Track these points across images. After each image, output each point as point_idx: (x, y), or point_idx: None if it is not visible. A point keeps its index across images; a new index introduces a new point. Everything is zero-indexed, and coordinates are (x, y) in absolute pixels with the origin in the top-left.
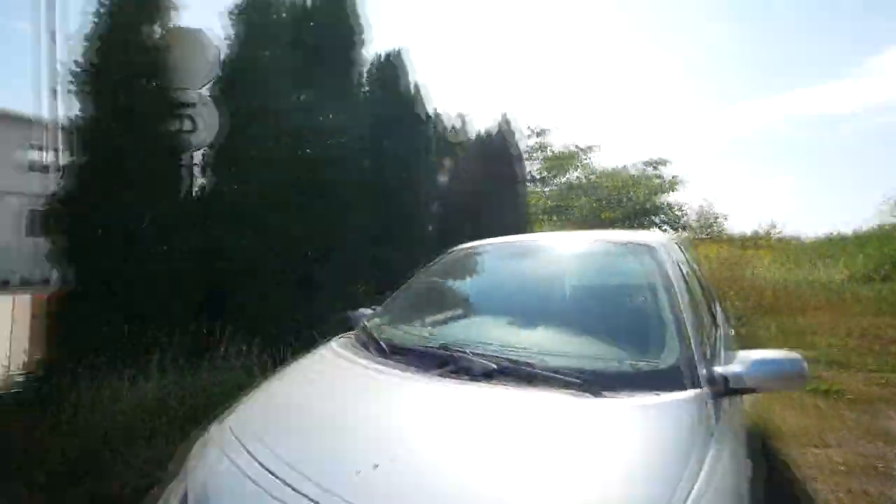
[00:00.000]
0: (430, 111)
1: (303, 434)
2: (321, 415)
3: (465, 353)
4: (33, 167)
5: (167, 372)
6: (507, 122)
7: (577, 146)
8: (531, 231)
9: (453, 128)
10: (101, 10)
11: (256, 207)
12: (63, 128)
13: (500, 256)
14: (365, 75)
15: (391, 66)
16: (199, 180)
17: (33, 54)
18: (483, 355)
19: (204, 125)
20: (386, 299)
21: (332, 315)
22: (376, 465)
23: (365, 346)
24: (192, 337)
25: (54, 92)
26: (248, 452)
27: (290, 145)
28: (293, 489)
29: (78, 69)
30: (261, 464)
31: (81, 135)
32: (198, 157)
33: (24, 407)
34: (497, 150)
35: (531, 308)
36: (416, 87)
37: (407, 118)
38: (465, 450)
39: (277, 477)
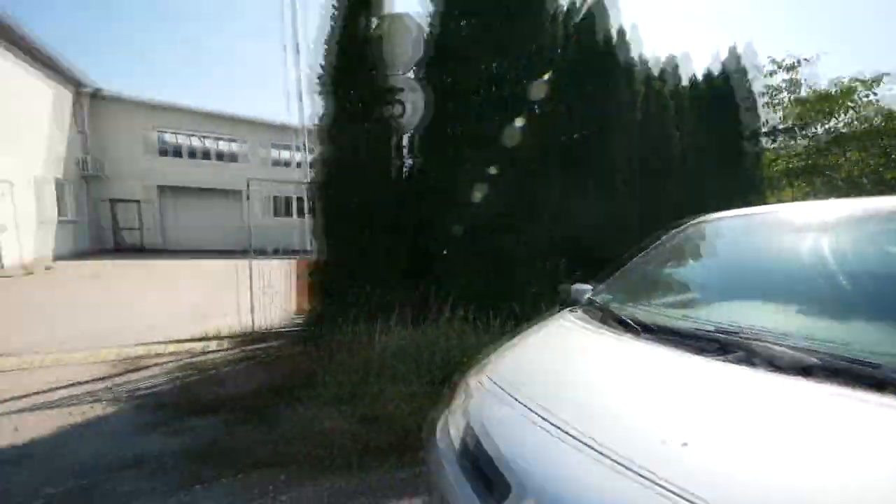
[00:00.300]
0: (637, 56)
1: (573, 395)
2: (588, 381)
3: (763, 341)
4: (276, 163)
5: (398, 327)
6: (737, 59)
7: (856, 78)
8: (765, 202)
9: (661, 74)
10: (333, 13)
11: (458, 184)
12: (308, 128)
13: (753, 230)
14: (560, 28)
15: (587, 16)
16: (408, 161)
17: (282, 67)
18: (790, 346)
19: (412, 108)
20: (583, 276)
21: (527, 289)
22: (685, 444)
23: (602, 321)
24: (411, 300)
25: (300, 95)
26: (522, 403)
27: (489, 119)
28: (583, 443)
29: (320, 72)
30: (541, 416)
31: (325, 131)
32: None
33: (299, 343)
34: (719, 98)
35: (811, 293)
36: (621, 32)
37: (605, 72)
38: (789, 451)
39: (563, 430)
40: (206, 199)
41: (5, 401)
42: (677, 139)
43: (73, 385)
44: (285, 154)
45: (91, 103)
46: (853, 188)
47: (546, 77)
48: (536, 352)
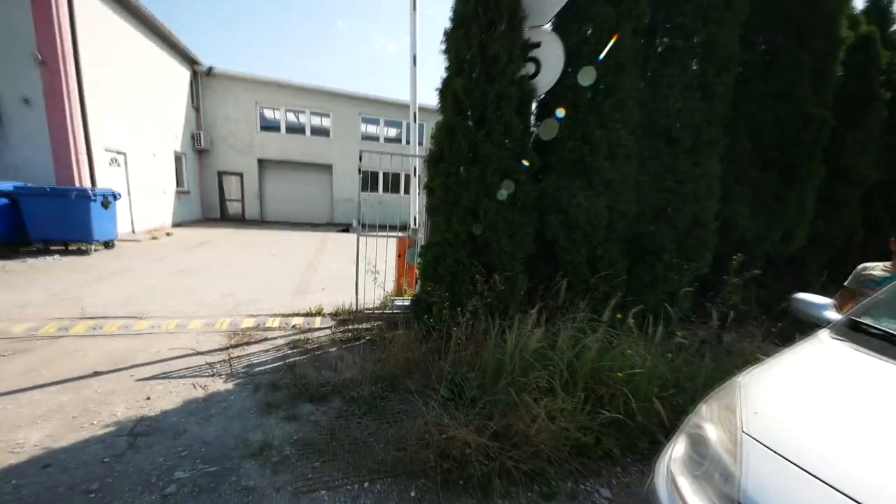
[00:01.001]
0: None
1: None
2: None
3: None
4: (369, 137)
5: (527, 324)
6: None
7: None
8: None
9: None
10: None
11: (593, 157)
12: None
13: None
14: None
15: None
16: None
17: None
18: None
19: (548, 67)
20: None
21: (662, 285)
22: None
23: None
24: (539, 291)
25: (413, 59)
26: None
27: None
28: None
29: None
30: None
31: (445, 93)
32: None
33: (409, 328)
34: None
35: None
36: None
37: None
38: None
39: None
40: (301, 172)
41: (138, 365)
42: None
43: (194, 355)
44: (391, 131)
45: (204, 81)
46: None
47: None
48: (804, 389)
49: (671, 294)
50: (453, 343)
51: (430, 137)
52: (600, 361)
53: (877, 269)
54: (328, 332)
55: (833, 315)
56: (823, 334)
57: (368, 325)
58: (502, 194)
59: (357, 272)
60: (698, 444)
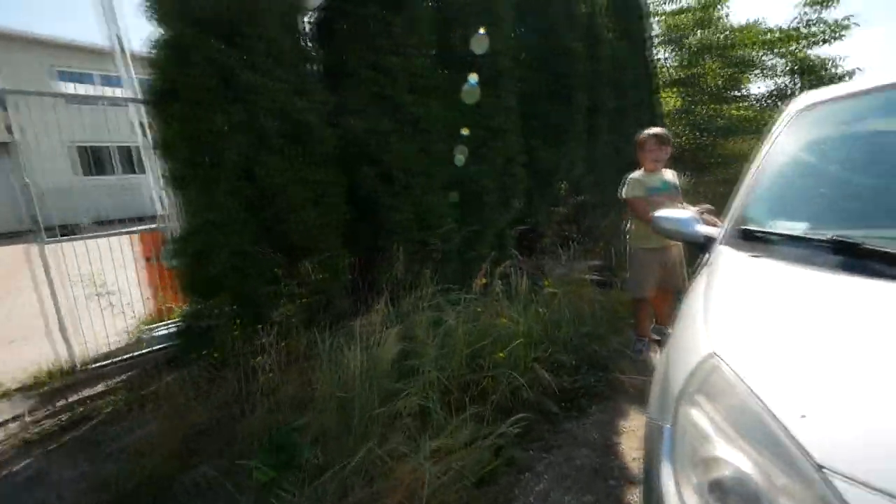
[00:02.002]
0: None
1: None
2: None
3: None
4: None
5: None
6: None
7: None
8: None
9: None
10: None
11: (394, 90)
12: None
13: None
14: None
15: None
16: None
17: None
18: None
19: None
20: None
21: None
22: None
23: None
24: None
25: None
26: None
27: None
28: None
29: None
30: None
31: None
32: None
33: (178, 371)
34: (624, 1)
35: None
36: None
37: None
38: None
39: None
40: None
41: None
42: (607, 42)
43: None
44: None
45: None
46: (714, 98)
47: None
48: (807, 350)
49: (499, 237)
50: (261, 382)
51: (152, 68)
52: (474, 344)
53: (645, 177)
54: (15, 426)
55: (705, 229)
56: (734, 257)
57: (105, 387)
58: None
59: (57, 303)
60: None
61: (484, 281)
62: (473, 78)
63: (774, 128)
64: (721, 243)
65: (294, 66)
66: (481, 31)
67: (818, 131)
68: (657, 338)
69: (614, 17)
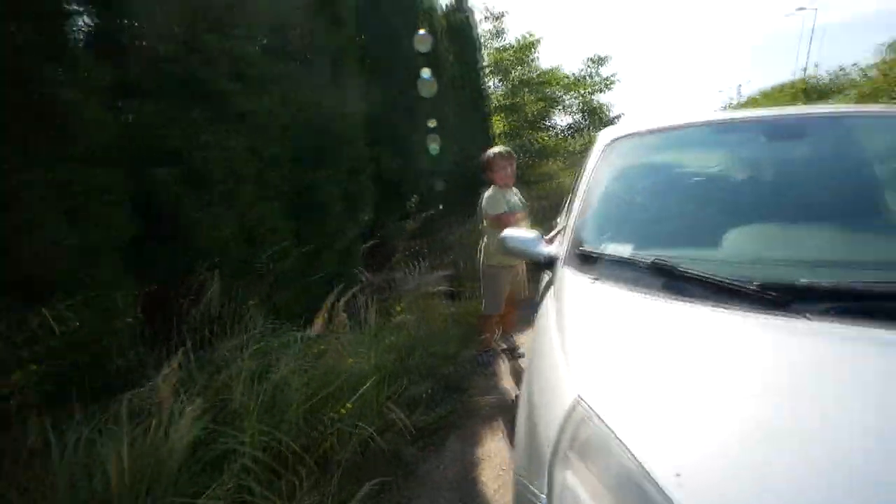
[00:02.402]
0: None
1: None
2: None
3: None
4: None
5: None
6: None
7: (530, 34)
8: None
9: None
10: None
11: (213, 74)
12: None
13: (702, 141)
14: None
15: None
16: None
17: None
18: None
19: None
20: None
21: (337, 243)
22: None
23: (641, 282)
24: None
25: None
26: None
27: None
28: None
29: None
30: None
31: None
32: None
33: None
34: (461, 31)
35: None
36: None
37: None
38: None
39: None
40: None
41: None
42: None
43: None
44: None
45: None
46: (532, 126)
47: None
48: (671, 397)
49: (346, 253)
50: None
51: None
52: (315, 395)
53: (502, 193)
54: None
55: (547, 248)
56: (577, 281)
57: None
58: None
59: None
60: None
61: (325, 314)
62: (321, 78)
63: (591, 156)
64: (563, 265)
65: (45, 19)
66: (324, 29)
67: (627, 161)
68: (505, 346)
69: (453, 44)
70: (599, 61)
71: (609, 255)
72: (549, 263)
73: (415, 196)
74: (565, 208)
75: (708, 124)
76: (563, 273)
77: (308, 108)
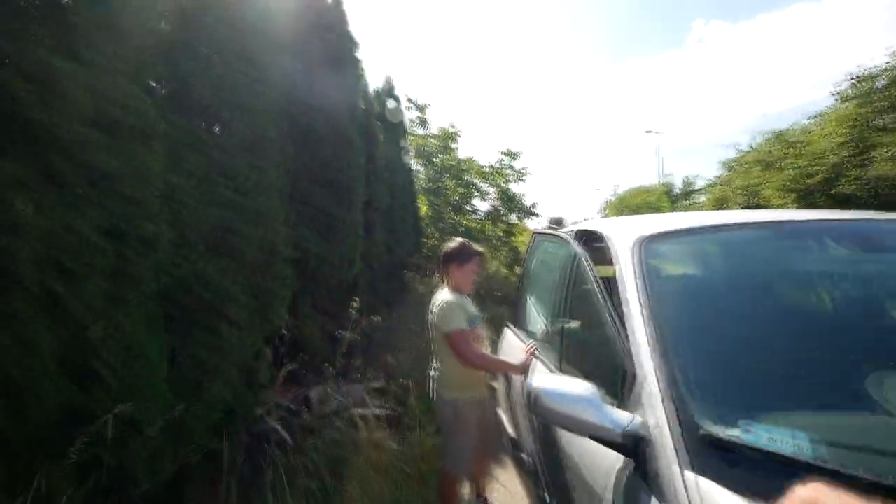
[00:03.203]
0: None
1: None
2: None
3: None
4: None
5: None
6: (391, 88)
7: (452, 125)
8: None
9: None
10: None
11: (50, 115)
12: None
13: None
14: None
15: None
16: None
17: None
18: None
19: None
20: None
21: (236, 356)
22: None
23: None
24: None
25: None
26: None
27: None
28: None
29: None
30: None
31: None
32: None
33: None
34: (390, 116)
35: None
36: None
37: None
38: None
39: None
40: None
41: None
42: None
43: None
44: None
45: None
46: (455, 209)
47: None
48: None
49: (248, 372)
50: None
51: None
52: None
53: (464, 302)
54: None
55: (630, 421)
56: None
57: None
58: None
59: None
60: None
61: None
62: (229, 138)
63: (615, 260)
64: (684, 465)
65: None
66: (242, 82)
67: (681, 269)
68: None
69: (383, 125)
70: (513, 155)
71: (800, 459)
72: (631, 446)
73: (356, 300)
74: (529, 308)
75: (765, 226)
76: (694, 489)
77: (208, 176)
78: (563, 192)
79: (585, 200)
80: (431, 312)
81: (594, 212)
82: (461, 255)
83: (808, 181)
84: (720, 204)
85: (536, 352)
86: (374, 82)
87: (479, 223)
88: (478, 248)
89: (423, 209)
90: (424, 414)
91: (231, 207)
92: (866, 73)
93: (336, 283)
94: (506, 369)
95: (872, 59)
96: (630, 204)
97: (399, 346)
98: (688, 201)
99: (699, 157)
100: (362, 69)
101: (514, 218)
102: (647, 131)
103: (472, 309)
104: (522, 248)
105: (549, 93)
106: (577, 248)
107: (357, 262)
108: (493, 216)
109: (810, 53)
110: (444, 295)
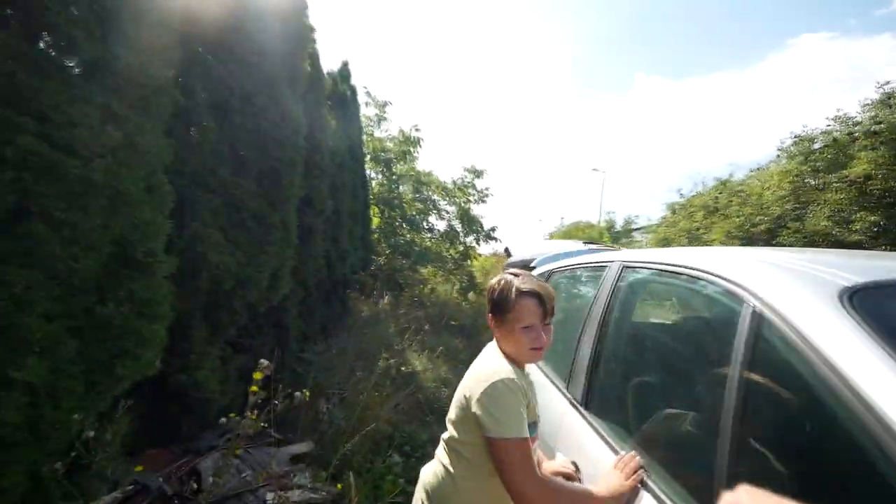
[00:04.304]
0: None
1: None
2: None
3: None
4: None
5: None
6: (349, 75)
7: (416, 128)
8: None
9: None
10: None
11: None
12: None
13: None
14: None
15: None
16: None
17: None
18: None
19: None
20: None
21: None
22: None
23: None
24: None
25: None
26: None
27: None
28: None
29: None
30: None
31: None
32: None
33: None
34: (344, 104)
35: None
36: None
37: None
38: None
39: None
40: None
41: None
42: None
43: None
44: None
45: None
46: (411, 225)
47: None
48: None
49: (85, 440)
50: None
51: None
52: None
53: (511, 376)
54: None
55: None
56: None
57: None
58: None
59: None
60: None
61: None
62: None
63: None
64: None
65: None
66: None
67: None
68: None
69: (335, 116)
70: (476, 173)
71: None
72: None
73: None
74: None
75: None
76: None
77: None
78: (506, 219)
79: (528, 229)
80: (468, 388)
81: (538, 242)
82: (501, 299)
83: (752, 230)
84: (663, 244)
85: (646, 474)
86: (327, 65)
87: (434, 243)
88: (528, 281)
89: (376, 221)
90: (367, 501)
91: (45, 170)
92: (806, 134)
93: (255, 303)
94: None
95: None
96: (574, 237)
97: (337, 389)
98: (628, 239)
99: (641, 198)
100: (313, 35)
101: (470, 241)
102: (594, 169)
103: (532, 398)
104: (479, 274)
105: (506, 114)
106: (755, 301)
107: (286, 278)
108: (451, 237)
109: (735, 117)
110: (495, 363)
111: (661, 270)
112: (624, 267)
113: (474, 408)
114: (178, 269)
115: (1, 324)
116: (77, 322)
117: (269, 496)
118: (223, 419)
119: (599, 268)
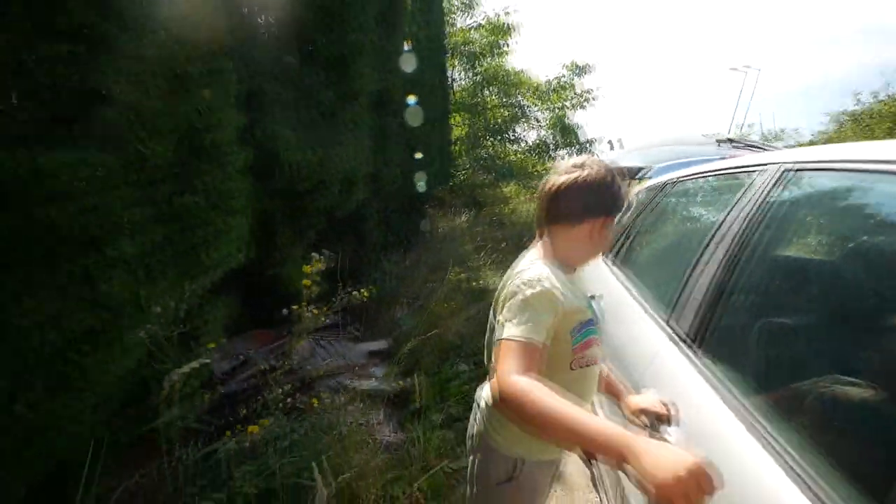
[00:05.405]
0: None
1: None
2: None
3: None
4: None
5: None
6: None
7: (506, 12)
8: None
9: None
10: None
11: None
12: None
13: None
14: None
15: None
16: None
17: None
18: None
19: None
20: None
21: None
22: None
23: None
24: None
25: None
26: None
27: None
28: None
29: None
30: None
31: None
32: None
33: None
34: None
35: None
36: None
37: None
38: None
39: None
40: None
41: None
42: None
43: None
44: None
45: None
46: (495, 135)
47: None
48: None
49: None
50: None
51: None
52: None
53: (547, 271)
54: None
55: None
56: None
57: None
58: None
59: None
60: None
61: None
62: None
63: None
64: None
65: None
66: None
67: None
68: None
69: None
70: (579, 70)
71: None
72: None
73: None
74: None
75: None
76: None
77: None
78: (616, 127)
79: (638, 140)
80: (497, 300)
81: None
82: (612, 194)
83: None
84: None
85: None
86: None
87: (520, 157)
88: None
89: (457, 131)
90: (433, 400)
91: (98, 44)
92: None
93: (331, 207)
94: (586, 438)
95: None
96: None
97: (412, 298)
98: None
99: (793, 109)
100: None
101: (563, 155)
102: (733, 68)
103: (582, 301)
104: None
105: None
106: None
107: (359, 184)
108: (541, 149)
109: None
110: (533, 264)
111: (870, 171)
112: (786, 170)
113: (501, 306)
114: (254, 168)
115: (90, 202)
116: (160, 210)
117: (347, 382)
118: (284, 310)
119: (741, 175)
